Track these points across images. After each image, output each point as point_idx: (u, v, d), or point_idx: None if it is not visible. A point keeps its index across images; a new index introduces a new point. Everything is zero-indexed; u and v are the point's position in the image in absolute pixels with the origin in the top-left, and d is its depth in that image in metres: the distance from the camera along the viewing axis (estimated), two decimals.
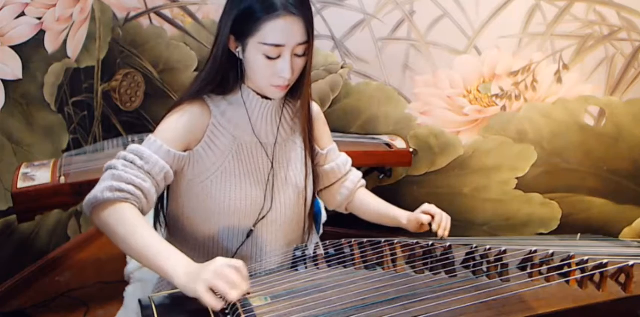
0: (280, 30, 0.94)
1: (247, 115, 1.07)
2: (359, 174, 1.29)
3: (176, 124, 1.02)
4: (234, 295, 0.79)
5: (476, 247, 1.03)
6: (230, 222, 1.09)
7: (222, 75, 1.03)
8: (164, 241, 0.90)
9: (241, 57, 1.01)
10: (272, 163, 1.10)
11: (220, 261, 0.82)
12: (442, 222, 1.14)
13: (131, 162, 0.97)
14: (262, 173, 1.09)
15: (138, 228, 0.90)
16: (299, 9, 0.95)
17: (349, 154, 1.30)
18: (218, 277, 0.80)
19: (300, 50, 0.98)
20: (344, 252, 1.03)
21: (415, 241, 1.05)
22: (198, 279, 0.80)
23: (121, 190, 0.93)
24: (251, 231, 1.10)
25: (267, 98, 1.07)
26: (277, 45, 0.95)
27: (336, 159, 1.24)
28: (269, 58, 0.96)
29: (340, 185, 1.26)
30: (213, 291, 0.80)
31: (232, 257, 1.10)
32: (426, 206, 1.17)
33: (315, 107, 1.20)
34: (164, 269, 0.85)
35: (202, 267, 0.82)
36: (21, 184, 1.59)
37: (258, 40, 0.95)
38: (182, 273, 0.83)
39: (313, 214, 1.22)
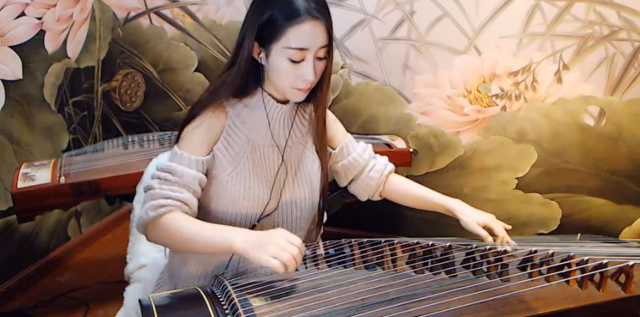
0: (305, 34, 0.97)
1: (262, 118, 1.09)
2: (383, 160, 1.28)
3: (196, 131, 1.05)
4: (292, 266, 0.89)
5: (476, 247, 1.04)
6: (237, 221, 1.09)
7: (245, 79, 1.06)
8: (216, 225, 1.00)
9: (263, 62, 1.03)
10: (284, 165, 1.11)
11: (281, 235, 0.92)
12: (503, 241, 1.15)
13: (165, 180, 1.03)
14: (272, 175, 1.11)
15: (188, 228, 0.99)
16: (321, 13, 0.98)
17: None
18: (282, 251, 0.89)
19: (322, 52, 1.01)
20: (344, 252, 1.03)
21: (415, 241, 1.05)
22: (263, 250, 0.90)
23: (162, 206, 1.01)
24: (254, 226, 1.10)
25: (282, 102, 1.09)
26: (302, 49, 0.98)
27: (352, 151, 1.24)
28: (293, 62, 0.99)
29: (365, 176, 1.26)
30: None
31: (231, 257, 1.11)
32: (489, 220, 1.16)
33: None
34: (223, 245, 0.94)
35: (264, 237, 0.92)
36: (21, 184, 1.59)
37: (283, 45, 0.98)
38: (239, 241, 0.93)
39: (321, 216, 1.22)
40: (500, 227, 1.16)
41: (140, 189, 1.36)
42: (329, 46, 1.02)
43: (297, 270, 0.93)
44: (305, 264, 1.03)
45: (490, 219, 1.17)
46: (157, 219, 1.01)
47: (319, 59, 1.01)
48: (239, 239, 0.93)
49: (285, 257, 0.88)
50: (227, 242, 0.94)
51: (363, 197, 1.30)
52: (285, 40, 0.97)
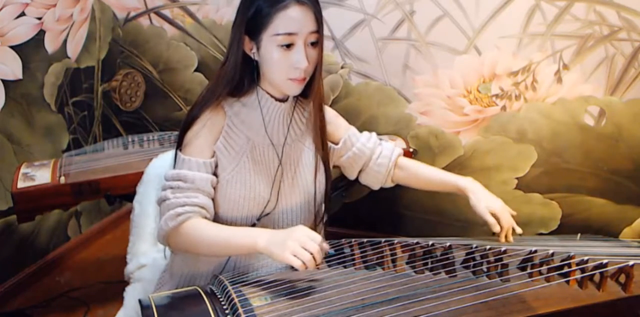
0: (291, 19, 0.97)
1: (259, 116, 1.09)
2: (390, 146, 1.28)
3: (198, 135, 1.06)
4: (312, 265, 0.90)
5: (476, 247, 1.03)
6: (236, 220, 1.09)
7: (240, 77, 1.06)
8: (235, 228, 1.03)
9: (256, 57, 1.03)
10: (281, 163, 1.11)
11: (302, 232, 0.92)
12: (508, 233, 1.14)
13: (177, 188, 1.03)
14: (272, 173, 1.11)
15: (209, 233, 1.00)
16: None
17: None
18: (301, 247, 0.90)
19: (312, 38, 1.01)
20: (344, 252, 1.03)
21: (415, 241, 1.05)
22: (284, 248, 0.90)
23: (180, 214, 1.01)
24: (254, 224, 1.11)
25: (280, 100, 1.09)
26: (290, 34, 0.98)
27: (356, 142, 1.24)
28: (284, 50, 0.99)
29: (374, 163, 1.25)
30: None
31: (229, 257, 1.11)
32: (497, 207, 1.14)
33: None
34: (246, 245, 0.96)
35: (285, 235, 0.92)
36: (21, 184, 1.59)
37: (271, 33, 0.98)
38: (261, 241, 0.94)
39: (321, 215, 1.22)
40: (506, 218, 1.14)
41: (140, 189, 1.36)
42: (319, 33, 1.01)
43: (317, 268, 0.94)
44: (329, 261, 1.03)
45: (499, 206, 1.15)
46: (177, 228, 1.02)
47: (310, 46, 1.01)
48: (261, 238, 0.94)
49: (306, 257, 0.89)
50: (251, 243, 0.95)
51: (375, 186, 1.30)
52: (273, 27, 0.98)
